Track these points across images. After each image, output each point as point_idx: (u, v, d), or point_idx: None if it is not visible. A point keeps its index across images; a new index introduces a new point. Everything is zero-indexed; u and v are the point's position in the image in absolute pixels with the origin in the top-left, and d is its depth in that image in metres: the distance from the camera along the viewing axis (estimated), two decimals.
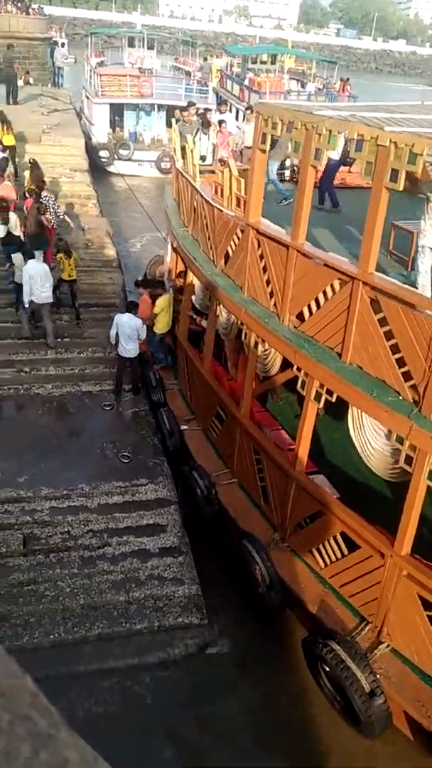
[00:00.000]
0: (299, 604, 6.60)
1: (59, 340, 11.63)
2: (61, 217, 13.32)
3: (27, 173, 14.38)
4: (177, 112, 12.83)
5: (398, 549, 5.53)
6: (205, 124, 10.12)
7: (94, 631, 7.06)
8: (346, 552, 6.19)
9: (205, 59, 34.12)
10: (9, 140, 16.29)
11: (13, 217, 12.52)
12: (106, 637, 7.06)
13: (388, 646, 5.81)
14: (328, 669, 5.88)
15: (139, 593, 7.48)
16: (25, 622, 7.02)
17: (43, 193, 12.87)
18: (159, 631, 7.22)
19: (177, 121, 11.60)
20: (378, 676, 5.56)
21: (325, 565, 6.51)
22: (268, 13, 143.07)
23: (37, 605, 7.16)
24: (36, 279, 10.65)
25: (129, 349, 10.35)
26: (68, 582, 7.46)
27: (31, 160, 14.70)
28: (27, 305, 10.99)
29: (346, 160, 10.45)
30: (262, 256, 7.10)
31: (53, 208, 12.92)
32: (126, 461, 9.31)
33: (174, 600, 7.51)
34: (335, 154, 9.28)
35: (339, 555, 6.30)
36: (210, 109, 11.25)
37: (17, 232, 12.38)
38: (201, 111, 11.56)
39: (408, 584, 5.50)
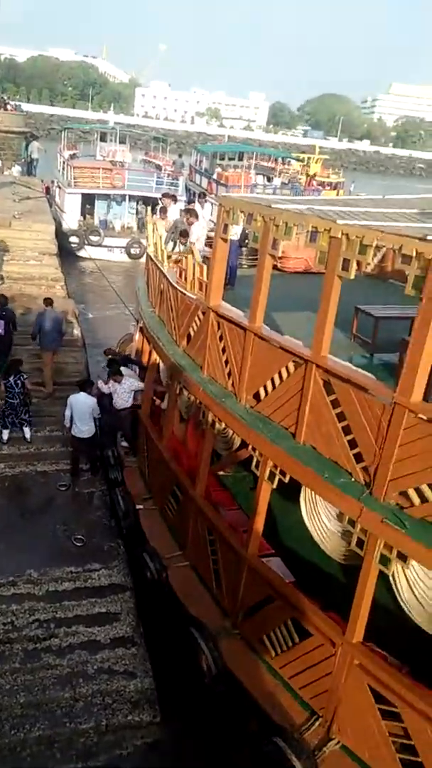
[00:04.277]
0: (247, 698, 6.24)
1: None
2: None
3: None
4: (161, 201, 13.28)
5: (349, 637, 5.33)
6: (183, 234, 10.50)
7: (34, 732, 6.53)
8: (297, 640, 5.95)
9: (180, 156, 36.11)
10: None
11: None
12: (47, 740, 6.53)
13: (338, 743, 5.50)
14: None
15: (86, 689, 7.02)
16: None
17: None
18: (107, 731, 6.72)
19: (155, 212, 11.84)
20: None
21: (276, 654, 6.23)
22: (239, 116, 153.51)
23: None
24: None
25: (83, 429, 10.26)
26: (8, 678, 6.97)
27: None
28: None
29: (244, 243, 11.22)
30: (221, 338, 7.23)
31: None
32: (79, 545, 9.01)
33: (125, 695, 7.06)
34: (235, 236, 9.83)
35: (290, 643, 6.04)
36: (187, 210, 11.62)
37: None
38: (183, 210, 11.83)
39: (359, 674, 5.26)
